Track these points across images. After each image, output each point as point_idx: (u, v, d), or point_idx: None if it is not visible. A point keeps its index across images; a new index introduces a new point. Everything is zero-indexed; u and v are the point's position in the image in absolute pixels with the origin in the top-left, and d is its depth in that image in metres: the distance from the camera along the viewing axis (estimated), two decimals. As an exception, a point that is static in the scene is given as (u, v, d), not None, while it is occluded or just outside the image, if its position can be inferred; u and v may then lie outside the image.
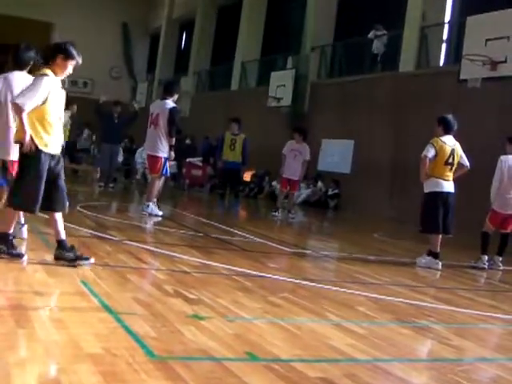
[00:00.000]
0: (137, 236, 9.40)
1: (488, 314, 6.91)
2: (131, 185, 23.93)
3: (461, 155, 10.65)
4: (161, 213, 12.94)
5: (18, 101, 6.19)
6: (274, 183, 24.02)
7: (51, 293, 5.56)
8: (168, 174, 13.26)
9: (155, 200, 12.94)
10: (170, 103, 12.91)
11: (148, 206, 12.85)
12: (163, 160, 12.84)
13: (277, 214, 16.71)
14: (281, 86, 26.73)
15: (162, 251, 8.44)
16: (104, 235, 8.98)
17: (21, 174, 6.44)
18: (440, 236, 10.44)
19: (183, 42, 45.68)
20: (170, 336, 4.48)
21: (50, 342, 4.09)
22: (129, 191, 21.45)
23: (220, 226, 12.79)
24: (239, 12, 34.58)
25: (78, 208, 11.97)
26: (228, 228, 12.49)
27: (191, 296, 5.82)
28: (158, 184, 13.09)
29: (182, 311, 5.25)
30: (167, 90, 13.31)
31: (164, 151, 12.85)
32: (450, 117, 10.70)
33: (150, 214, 12.73)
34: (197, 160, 24.95)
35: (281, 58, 29.86)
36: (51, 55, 6.50)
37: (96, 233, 8.46)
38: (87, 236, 8.45)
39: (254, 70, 33.02)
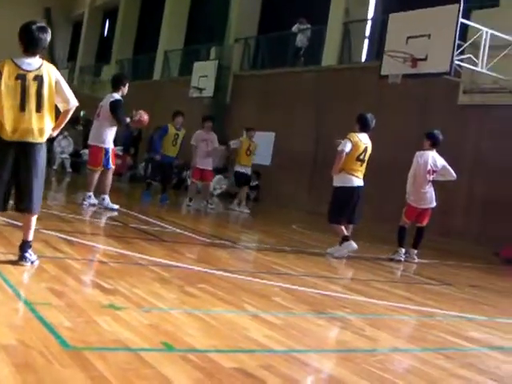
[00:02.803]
0: (54, 225, 9.25)
1: (402, 305, 7.02)
2: (49, 174, 23.59)
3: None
4: (116, 206, 12.99)
5: None
6: (185, 174, 23.98)
7: (-36, 281, 5.44)
8: (110, 167, 13.06)
9: (91, 193, 12.94)
10: (114, 96, 12.94)
11: (104, 199, 12.94)
12: (105, 151, 12.80)
13: (191, 204, 16.72)
14: (203, 76, 26.68)
15: (79, 240, 8.34)
16: (20, 224, 8.83)
17: None
18: (343, 226, 10.62)
19: (106, 30, 45.28)
20: (85, 326, 4.42)
21: (-39, 331, 4.01)
22: (47, 180, 21.10)
23: (138, 215, 12.72)
24: (163, 1, 34.38)
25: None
26: (146, 218, 12.41)
27: (107, 286, 5.76)
28: (110, 176, 13.10)
29: (98, 301, 5.19)
30: (112, 85, 13.35)
31: (106, 142, 12.83)
32: (368, 115, 10.88)
33: (107, 208, 12.80)
34: (118, 149, 24.73)
35: (204, 48, 29.86)
36: None
37: (12, 221, 8.30)
38: (3, 224, 8.29)
39: (177, 59, 32.91)
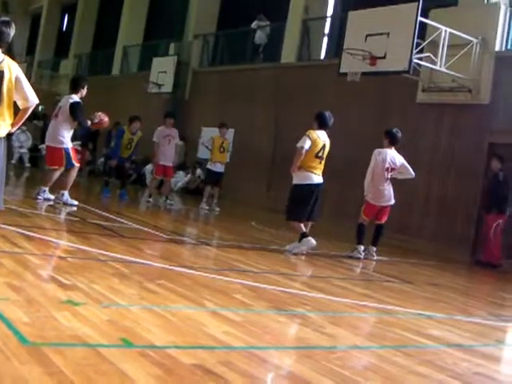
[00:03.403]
0: (12, 220, 9.15)
1: (362, 302, 7.06)
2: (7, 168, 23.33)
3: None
4: (76, 202, 12.92)
5: None
6: (144, 169, 23.88)
7: None
8: (74, 165, 12.94)
9: (47, 188, 12.86)
10: (74, 98, 12.83)
11: (63, 194, 12.86)
12: (64, 151, 12.69)
13: (150, 199, 16.68)
14: (162, 72, 26.57)
15: (38, 236, 8.25)
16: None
17: None
18: (302, 224, 10.65)
19: (65, 24, 44.88)
20: (43, 322, 4.37)
21: None
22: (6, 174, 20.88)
23: (97, 211, 12.64)
24: (123, -5, 34.21)
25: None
26: (105, 214, 12.34)
27: (66, 281, 5.70)
28: (74, 173, 13.01)
29: (57, 297, 5.13)
30: (71, 87, 13.24)
31: (64, 142, 12.72)
32: (326, 113, 10.92)
33: (66, 204, 12.72)
34: (76, 144, 24.56)
35: (163, 43, 29.75)
36: None
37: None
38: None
39: (136, 54, 32.77)
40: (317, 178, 10.68)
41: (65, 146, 12.70)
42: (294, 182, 10.75)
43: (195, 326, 4.89)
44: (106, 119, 13.26)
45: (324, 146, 10.68)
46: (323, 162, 10.76)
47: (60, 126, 12.72)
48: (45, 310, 4.66)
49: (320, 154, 10.63)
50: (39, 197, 12.71)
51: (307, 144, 10.47)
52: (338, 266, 10.26)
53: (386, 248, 12.64)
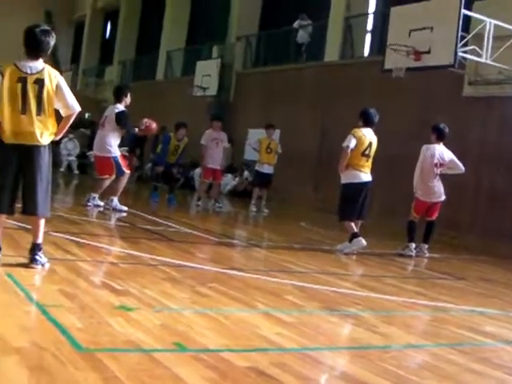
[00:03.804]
0: (63, 227, 9.24)
1: (415, 300, 6.99)
2: (56, 176, 23.60)
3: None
4: (125, 208, 13.03)
5: None
6: (192, 173, 23.95)
7: (-26, 286, 5.42)
8: (124, 173, 13.07)
9: (97, 195, 13.00)
10: (118, 107, 12.93)
11: (112, 200, 12.95)
12: (113, 160, 12.80)
13: (199, 203, 16.72)
14: (206, 75, 26.66)
15: (89, 242, 8.33)
16: (28, 226, 8.81)
17: None
18: (353, 223, 10.59)
19: (108, 31, 45.34)
20: (97, 328, 4.41)
21: (-27, 335, 3.99)
22: (54, 183, 21.10)
23: (147, 216, 12.70)
24: (164, 1, 34.39)
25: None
26: (155, 218, 12.40)
27: (118, 287, 5.74)
28: (124, 180, 13.12)
29: (109, 302, 5.17)
30: (115, 97, 13.31)
31: (112, 151, 12.83)
32: (371, 110, 10.85)
33: (114, 209, 12.84)
34: (123, 150, 24.71)
35: (206, 47, 29.85)
36: None
37: (22, 224, 8.29)
38: (13, 227, 8.27)
39: (180, 59, 32.93)
40: (365, 176, 10.62)
41: (113, 154, 12.79)
42: (343, 181, 10.69)
43: (248, 329, 4.88)
44: (153, 126, 13.37)
45: (370, 144, 10.61)
46: (371, 159, 10.69)
47: (107, 135, 12.82)
48: (98, 315, 4.70)
49: (367, 152, 10.56)
50: (89, 203, 12.83)
51: (352, 143, 10.41)
52: (389, 264, 10.18)
53: (437, 245, 12.52)
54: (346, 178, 10.63)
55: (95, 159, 13.41)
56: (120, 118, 12.75)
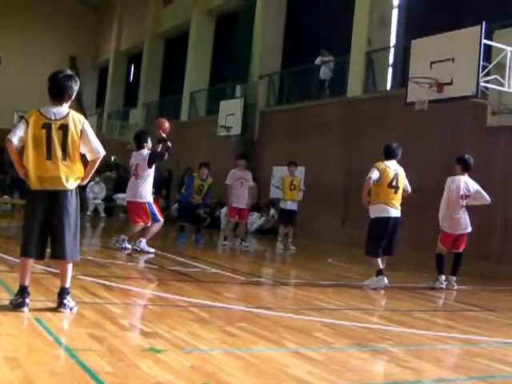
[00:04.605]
0: (91, 270, 9.29)
1: (445, 334, 6.94)
2: (83, 220, 23.73)
3: (404, 182, 10.80)
4: (153, 250, 13.03)
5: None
6: (219, 212, 24.01)
7: (5, 331, 5.44)
8: (159, 220, 13.16)
9: (127, 237, 13.07)
10: (145, 151, 13.06)
11: (141, 241, 12.97)
12: (148, 205, 12.90)
13: (226, 242, 16.73)
14: (230, 114, 26.76)
15: (117, 285, 8.36)
16: (57, 271, 8.86)
17: None
18: (380, 258, 10.54)
19: (131, 75, 45.77)
20: (126, 370, 4.42)
21: (5, 382, 4.00)
22: (81, 226, 21.19)
23: (174, 257, 12.73)
24: (186, 42, 34.73)
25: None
26: (182, 259, 12.42)
27: (147, 329, 5.76)
28: (157, 228, 13.23)
29: (138, 345, 5.18)
30: (136, 145, 13.40)
31: (147, 197, 12.96)
32: (393, 144, 10.91)
33: (142, 251, 12.86)
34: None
35: (229, 86, 30.03)
36: None
37: (50, 269, 8.34)
38: (41, 272, 8.33)
39: (203, 99, 33.13)
40: (394, 211, 10.59)
41: (147, 200, 12.88)
42: (371, 215, 10.70)
43: (278, 368, 4.87)
44: (165, 125, 13.28)
45: (396, 175, 10.60)
46: (399, 191, 10.65)
47: (139, 182, 12.92)
48: (127, 358, 4.71)
49: (394, 184, 10.56)
50: (117, 245, 12.88)
51: (375, 174, 10.45)
52: (417, 297, 10.12)
53: (466, 276, 12.43)
54: (373, 211, 10.63)
55: (129, 206, 13.44)
56: (152, 160, 12.88)
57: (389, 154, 10.80)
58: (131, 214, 13.29)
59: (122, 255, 12.38)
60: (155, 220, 12.97)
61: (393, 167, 10.65)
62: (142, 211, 12.88)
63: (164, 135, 13.16)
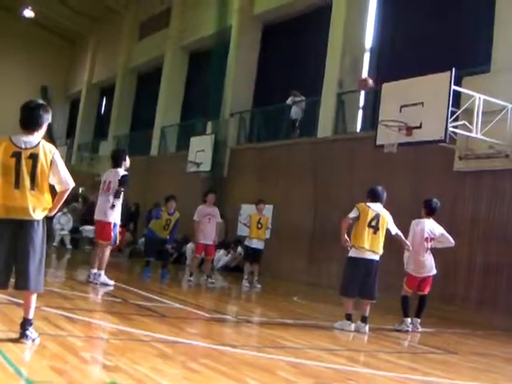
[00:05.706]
0: (55, 302, 9.20)
1: (409, 376, 6.94)
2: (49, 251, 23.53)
3: (387, 222, 10.78)
4: (112, 282, 12.95)
5: None
6: (185, 248, 23.92)
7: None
8: (116, 242, 13.18)
9: (103, 271, 12.97)
10: (121, 172, 13.14)
11: (100, 275, 12.90)
12: (113, 226, 12.86)
13: (191, 278, 16.66)
14: (200, 150, 26.78)
15: (80, 318, 8.29)
16: (21, 301, 8.78)
17: None
18: (351, 300, 10.53)
19: (103, 107, 45.76)
20: (86, 405, 4.38)
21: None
22: (47, 257, 21.03)
23: (139, 291, 12.65)
24: (159, 77, 34.85)
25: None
26: (147, 294, 12.36)
27: (109, 363, 5.71)
28: (108, 252, 13.15)
29: (100, 379, 5.14)
30: (114, 162, 13.51)
31: (114, 217, 12.96)
32: (378, 188, 10.93)
33: (102, 284, 12.77)
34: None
35: (200, 122, 30.08)
36: None
37: (13, 299, 8.27)
38: (5, 302, 8.25)
39: (174, 134, 33.18)
40: (369, 253, 10.49)
41: (114, 220, 12.92)
42: (348, 254, 10.68)
43: (239, 405, 4.85)
44: None
45: (378, 216, 10.56)
46: (380, 233, 10.59)
47: (109, 200, 12.92)
48: (88, 392, 4.66)
49: (373, 224, 10.51)
50: (95, 281, 12.76)
51: (353, 213, 10.48)
52: (382, 339, 10.13)
53: (431, 319, 12.48)
54: (351, 251, 10.61)
55: (97, 224, 13.36)
56: (124, 181, 12.93)
57: (374, 197, 10.80)
58: (98, 231, 13.25)
59: (87, 288, 12.29)
60: (114, 242, 12.96)
61: (375, 208, 10.62)
62: (108, 230, 12.87)
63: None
